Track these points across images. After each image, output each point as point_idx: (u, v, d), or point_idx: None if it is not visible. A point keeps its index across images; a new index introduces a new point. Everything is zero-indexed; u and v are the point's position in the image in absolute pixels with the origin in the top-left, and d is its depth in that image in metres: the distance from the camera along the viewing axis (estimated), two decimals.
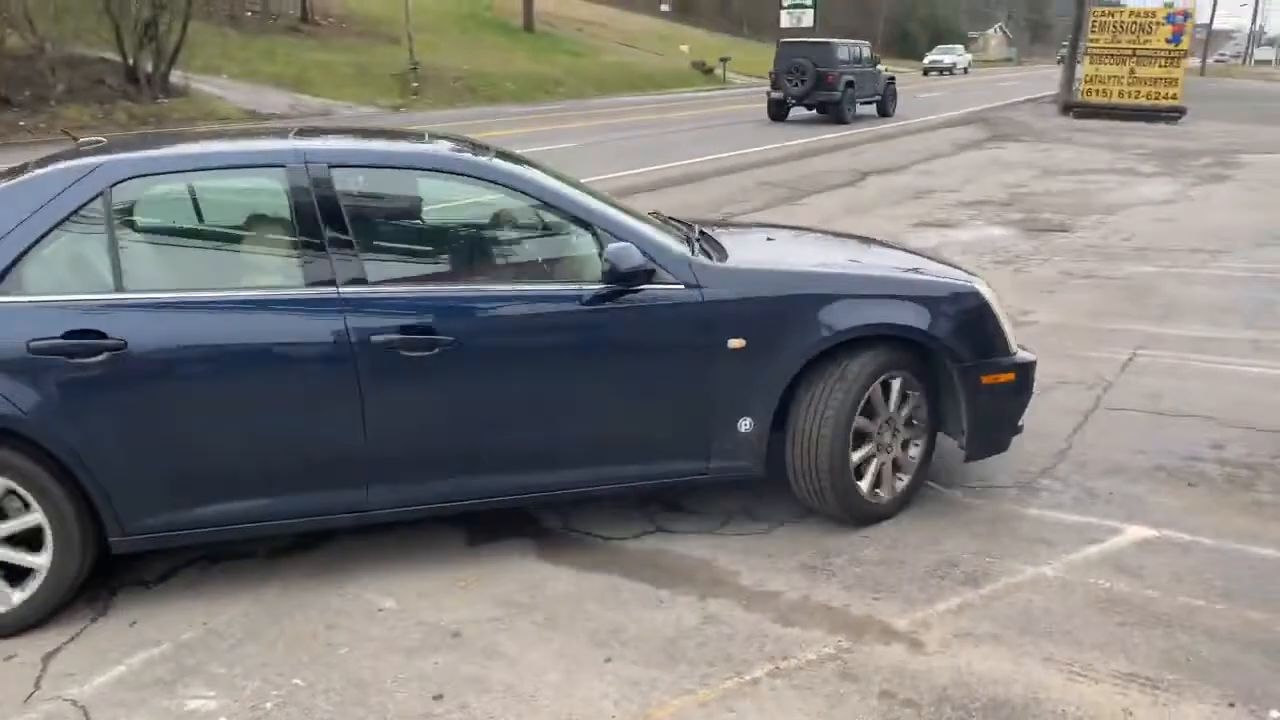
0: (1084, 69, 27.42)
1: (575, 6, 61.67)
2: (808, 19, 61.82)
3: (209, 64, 27.51)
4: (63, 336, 3.02)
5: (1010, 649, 3.04)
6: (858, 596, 3.35)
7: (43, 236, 3.09)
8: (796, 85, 23.83)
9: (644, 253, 3.40)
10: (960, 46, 73.51)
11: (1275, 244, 9.36)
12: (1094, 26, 26.79)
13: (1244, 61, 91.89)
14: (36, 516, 3.11)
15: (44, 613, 3.20)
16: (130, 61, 23.46)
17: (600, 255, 3.41)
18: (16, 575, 3.18)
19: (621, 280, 3.38)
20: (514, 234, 3.77)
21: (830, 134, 20.76)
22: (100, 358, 3.04)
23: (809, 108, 24.57)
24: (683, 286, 3.48)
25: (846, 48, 25.33)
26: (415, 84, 34.06)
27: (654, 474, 3.65)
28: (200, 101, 24.92)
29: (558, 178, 3.72)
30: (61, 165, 3.27)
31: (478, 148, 3.82)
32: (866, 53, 26.53)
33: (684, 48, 57.08)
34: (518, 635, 3.16)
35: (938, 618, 3.22)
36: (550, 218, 3.61)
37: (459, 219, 3.93)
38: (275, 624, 3.24)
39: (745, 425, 3.61)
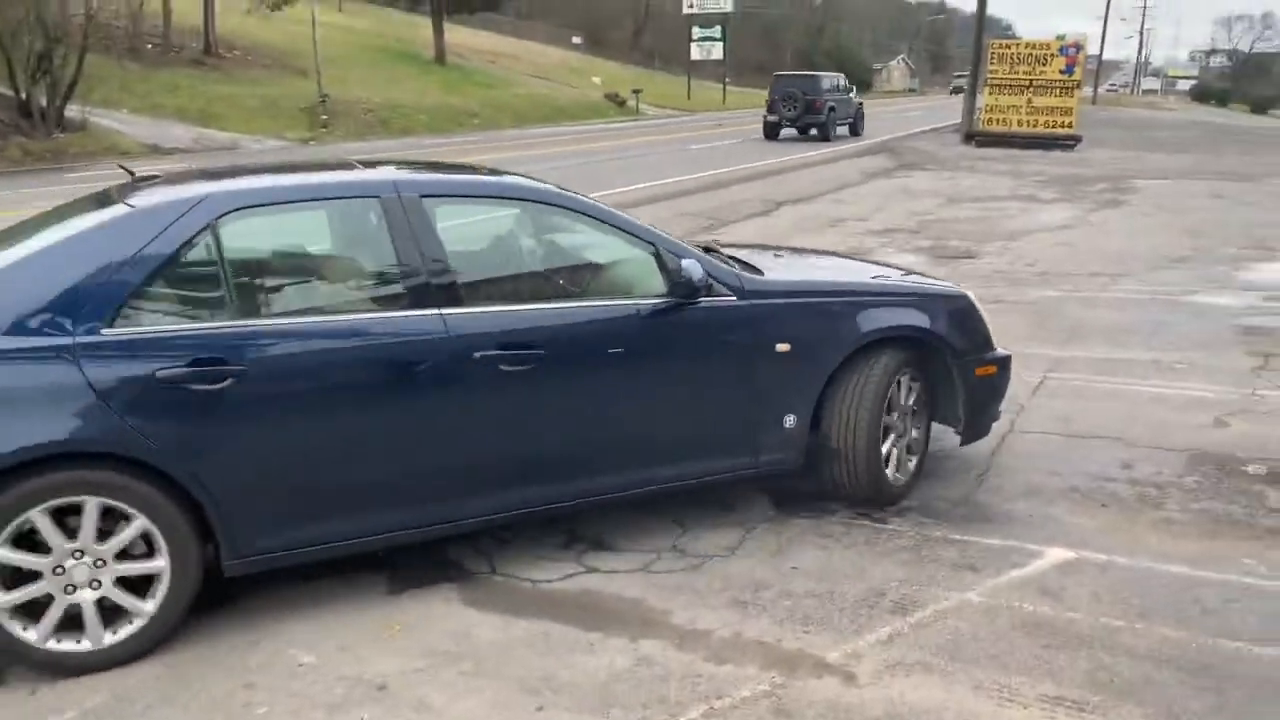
0: (984, 99, 28.37)
1: (487, 39, 61.77)
2: (717, 51, 63.09)
3: (108, 97, 26.74)
4: (189, 365, 3.10)
5: (941, 677, 3.07)
6: (789, 631, 3.35)
7: (158, 269, 3.17)
8: (790, 110, 28.39)
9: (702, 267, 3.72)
10: (841, 75, 73.29)
11: (1168, 267, 9.75)
12: (993, 58, 27.77)
13: (1132, 91, 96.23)
14: (160, 561, 3.17)
15: (150, 646, 3.24)
16: (23, 95, 22.66)
17: (662, 270, 3.71)
18: (117, 613, 3.18)
19: (690, 292, 3.69)
20: (585, 255, 4.00)
21: (743, 165, 21.06)
22: (224, 384, 3.14)
23: (800, 130, 28.68)
24: (735, 298, 3.84)
25: (829, 78, 30.85)
26: (325, 116, 33.60)
27: (714, 470, 3.97)
28: (99, 136, 24.19)
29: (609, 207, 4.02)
30: (166, 199, 3.37)
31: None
32: (843, 83, 31.67)
33: (596, 80, 57.56)
34: (445, 686, 3.07)
35: (869, 649, 3.23)
36: (613, 240, 3.83)
37: (535, 242, 4.10)
38: (188, 687, 3.09)
39: (790, 421, 3.99)
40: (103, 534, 3.08)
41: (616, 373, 3.70)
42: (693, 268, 3.66)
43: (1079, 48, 28.12)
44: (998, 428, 5.16)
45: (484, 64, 51.94)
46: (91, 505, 3.04)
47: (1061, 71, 27.17)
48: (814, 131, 28.63)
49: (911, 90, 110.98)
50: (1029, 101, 27.51)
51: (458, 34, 55.27)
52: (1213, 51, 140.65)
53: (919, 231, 12.36)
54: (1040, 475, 4.59)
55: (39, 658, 3.12)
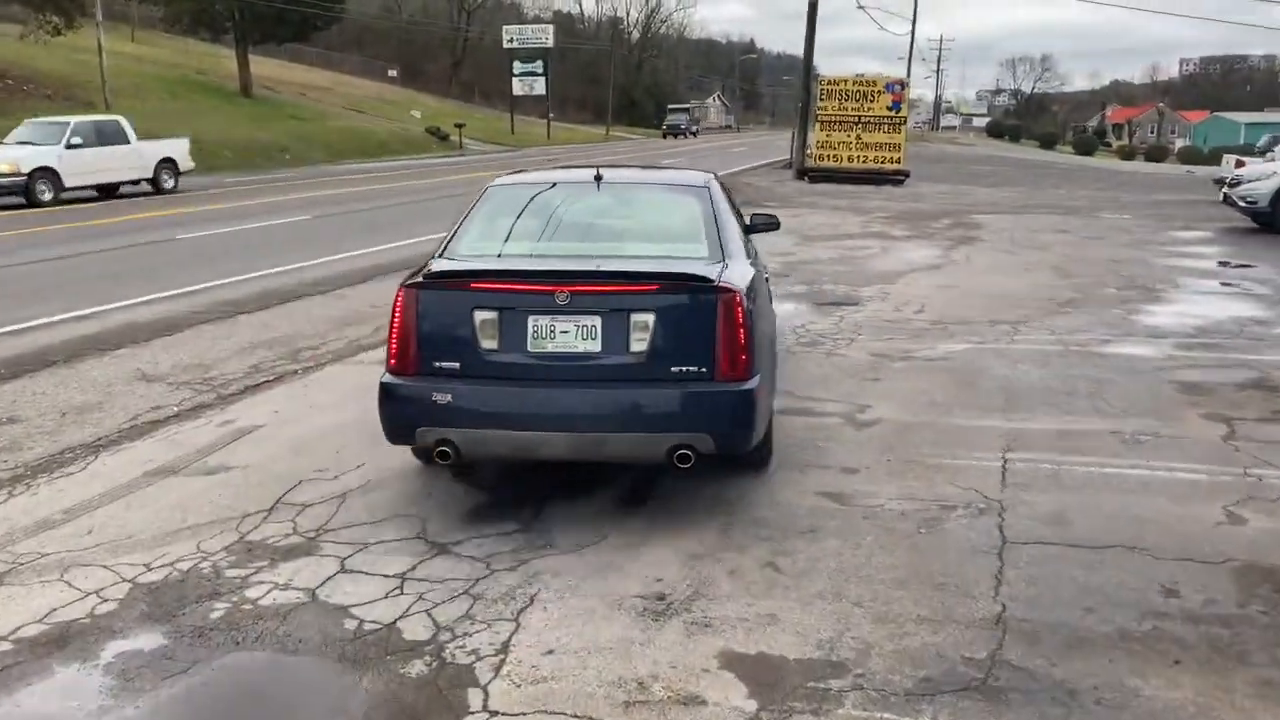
0: (815, 135, 28.41)
1: (297, 71, 58.75)
2: (540, 86, 62.29)
3: None
4: None
5: None
6: None
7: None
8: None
9: None
10: (689, 107, 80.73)
11: (1061, 312, 9.19)
12: (822, 94, 27.85)
13: (933, 128, 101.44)
14: None
15: None
16: None
17: None
18: None
19: None
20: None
21: None
22: None
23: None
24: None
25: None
26: None
27: None
28: None
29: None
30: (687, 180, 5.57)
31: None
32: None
33: (415, 113, 55.58)
34: None
35: None
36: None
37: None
38: None
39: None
40: None
41: None
42: None
43: (904, 85, 28.62)
44: (984, 538, 4.15)
45: (294, 96, 49.14)
46: None
47: (889, 108, 27.51)
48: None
49: (728, 127, 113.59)
50: (858, 138, 27.71)
51: (265, 66, 52.19)
52: (998, 91, 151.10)
53: (788, 275, 11.51)
54: (1071, 612, 3.55)
55: None
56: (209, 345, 7.97)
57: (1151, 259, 12.69)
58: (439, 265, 4.61)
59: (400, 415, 4.39)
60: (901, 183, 27.17)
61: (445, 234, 5.04)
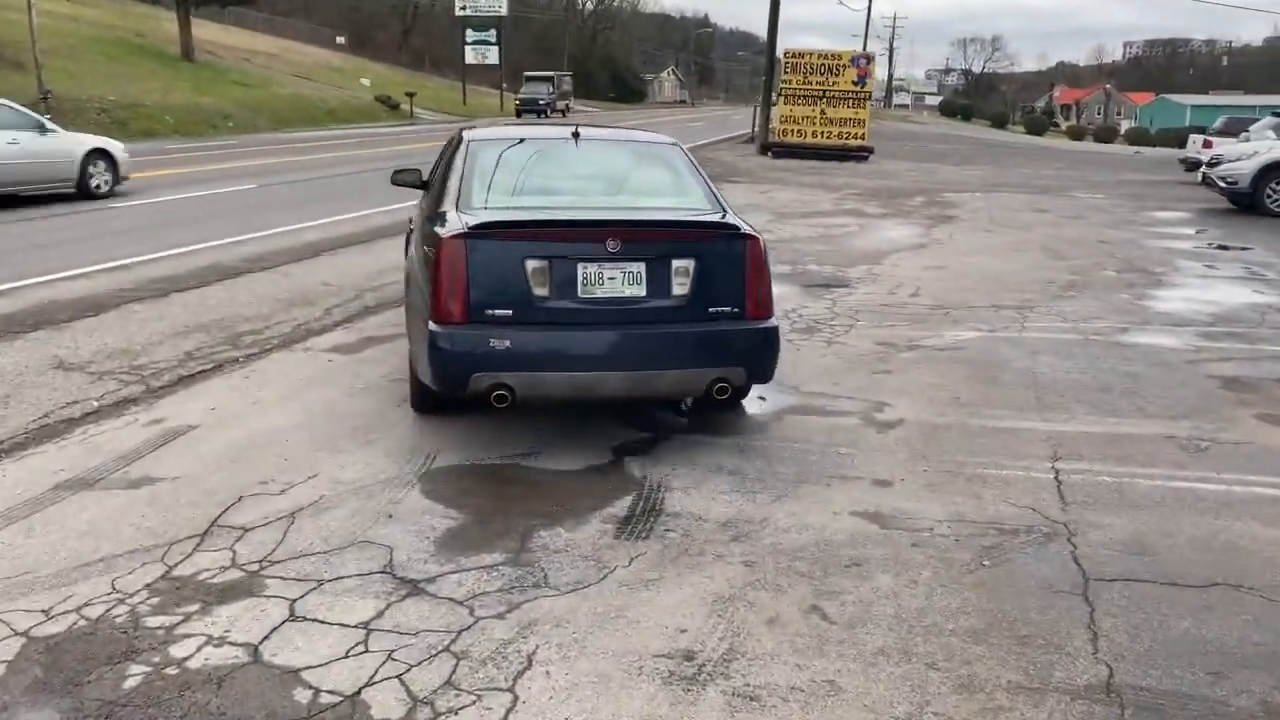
0: (779, 109, 27.73)
1: (242, 36, 56.70)
2: (493, 56, 60.84)
3: None
4: None
5: None
6: None
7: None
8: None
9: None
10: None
11: (1064, 296, 8.64)
12: (786, 68, 27.14)
13: (887, 105, 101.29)
14: None
15: None
16: None
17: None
18: None
19: None
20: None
21: None
22: None
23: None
24: None
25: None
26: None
27: None
28: None
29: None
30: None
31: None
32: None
33: (365, 81, 54.01)
34: None
35: None
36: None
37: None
38: None
39: None
40: None
41: None
42: None
43: (869, 59, 28.04)
44: (1062, 573, 3.51)
45: (238, 62, 47.31)
46: None
47: (854, 83, 26.90)
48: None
49: (682, 102, 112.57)
50: (822, 113, 27.07)
51: (208, 30, 50.22)
52: (948, 70, 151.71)
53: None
54: (1195, 676, 2.92)
55: None
56: (138, 328, 7.09)
57: (1142, 240, 12.23)
58: (481, 217, 4.59)
59: (453, 363, 4.43)
60: (866, 159, 26.64)
61: (438, 190, 5.20)
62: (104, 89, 33.83)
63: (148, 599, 3.39)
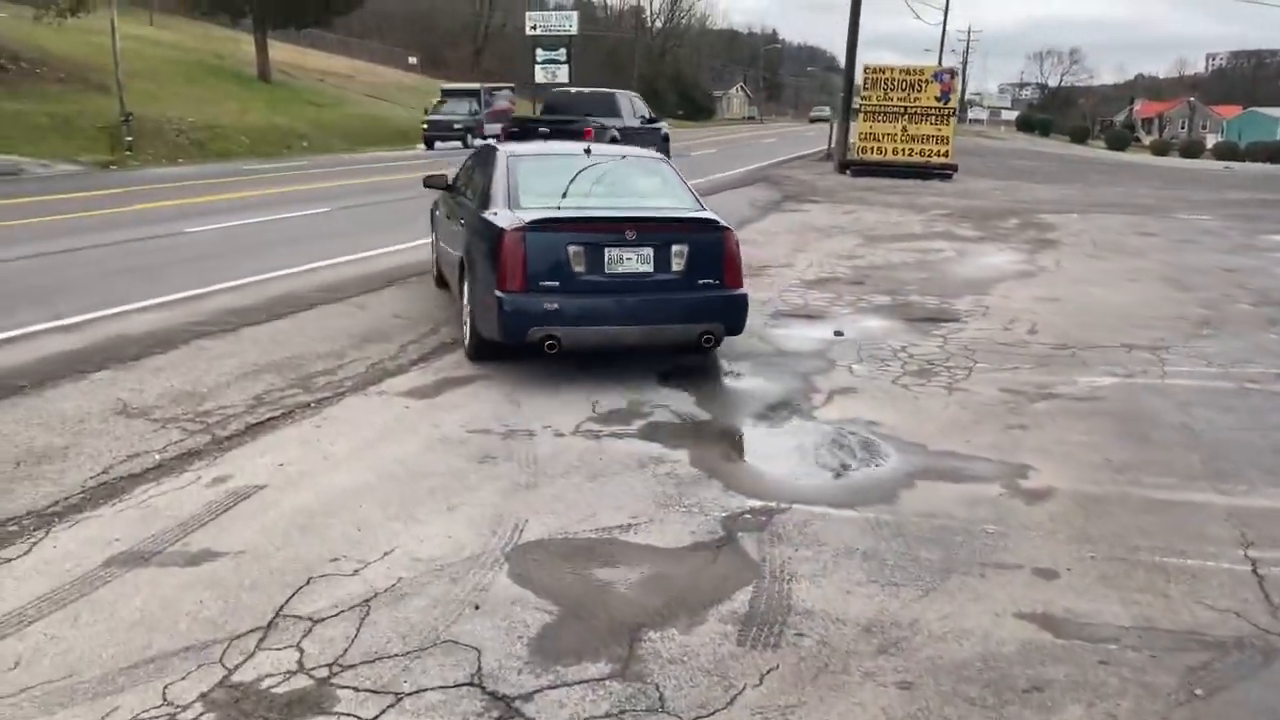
0: (858, 126, 26.98)
1: (316, 57, 57.62)
2: (562, 74, 60.71)
3: None
4: None
5: None
6: None
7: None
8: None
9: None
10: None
11: (1200, 335, 7.86)
12: (866, 84, 26.39)
13: (961, 120, 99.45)
14: None
15: None
16: None
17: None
18: None
19: None
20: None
21: None
22: None
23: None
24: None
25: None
26: (129, 138, 29.38)
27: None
28: None
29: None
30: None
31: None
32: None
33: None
34: None
35: None
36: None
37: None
38: None
39: None
40: None
41: None
42: None
43: (953, 74, 27.17)
44: None
45: (313, 82, 48.00)
46: None
47: (937, 99, 26.05)
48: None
49: (751, 118, 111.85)
50: (904, 129, 26.26)
51: (284, 51, 51.08)
52: (1022, 84, 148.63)
53: (862, 282, 10.21)
54: None
55: None
56: (206, 367, 6.72)
57: (1272, 268, 11.31)
58: (531, 215, 6.18)
59: (517, 320, 6.05)
60: (950, 177, 25.76)
61: (483, 192, 6.95)
62: (183, 110, 34.41)
63: (202, 714, 2.91)
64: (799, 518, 4.26)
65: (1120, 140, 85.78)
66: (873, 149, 26.52)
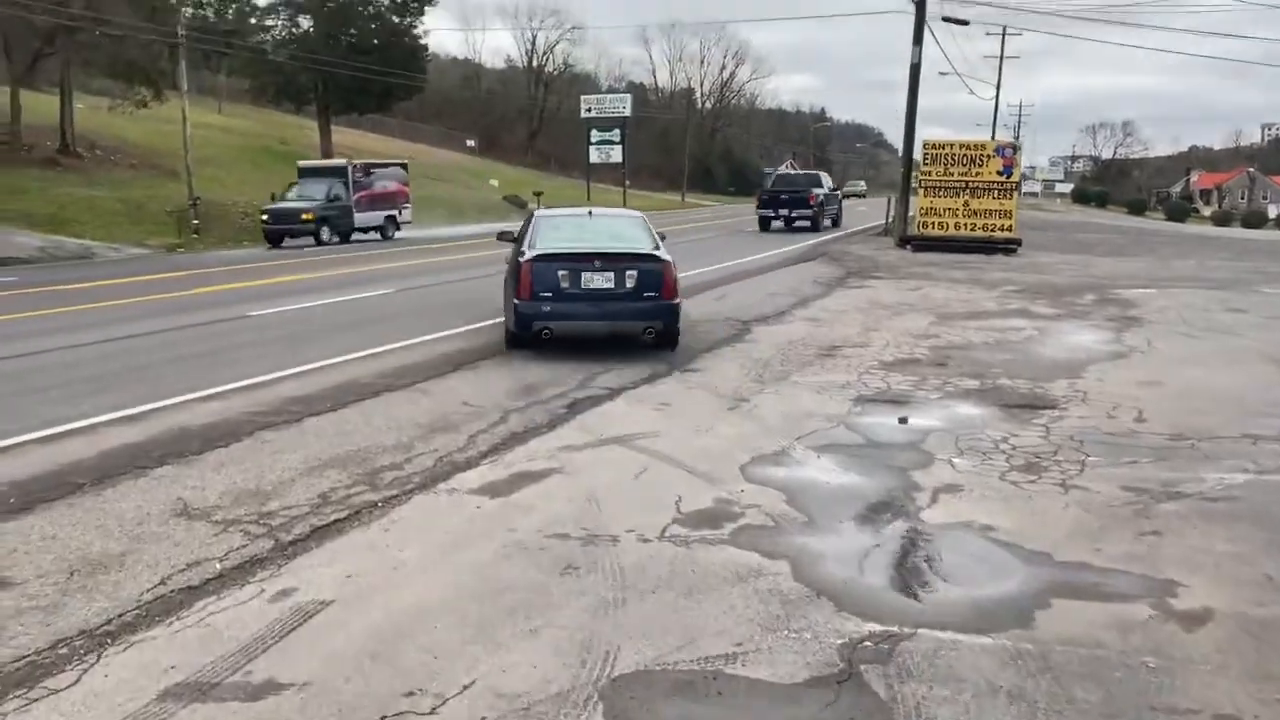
0: (918, 201, 26.63)
1: (377, 141, 59.01)
2: (616, 154, 61.53)
3: None
4: None
5: None
6: None
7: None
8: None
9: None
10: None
11: None
12: (926, 159, 26.11)
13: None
14: None
15: None
16: None
17: None
18: None
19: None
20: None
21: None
22: None
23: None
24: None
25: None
26: (196, 221, 30.00)
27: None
28: None
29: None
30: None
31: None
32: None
33: (493, 182, 55.27)
34: None
35: None
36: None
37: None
38: None
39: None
40: None
41: None
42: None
43: (1015, 148, 26.81)
44: None
45: None
46: None
47: (999, 173, 25.65)
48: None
49: None
50: (966, 204, 25.86)
51: (346, 136, 52.40)
52: (1075, 156, 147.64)
53: (944, 364, 9.72)
54: None
55: None
56: (269, 462, 6.42)
57: None
58: (536, 251, 9.76)
59: (527, 319, 9.62)
60: (1014, 252, 25.20)
61: (520, 239, 10.58)
62: (249, 194, 35.17)
63: None
64: (927, 646, 3.77)
65: (1180, 211, 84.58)
66: (934, 224, 26.13)
